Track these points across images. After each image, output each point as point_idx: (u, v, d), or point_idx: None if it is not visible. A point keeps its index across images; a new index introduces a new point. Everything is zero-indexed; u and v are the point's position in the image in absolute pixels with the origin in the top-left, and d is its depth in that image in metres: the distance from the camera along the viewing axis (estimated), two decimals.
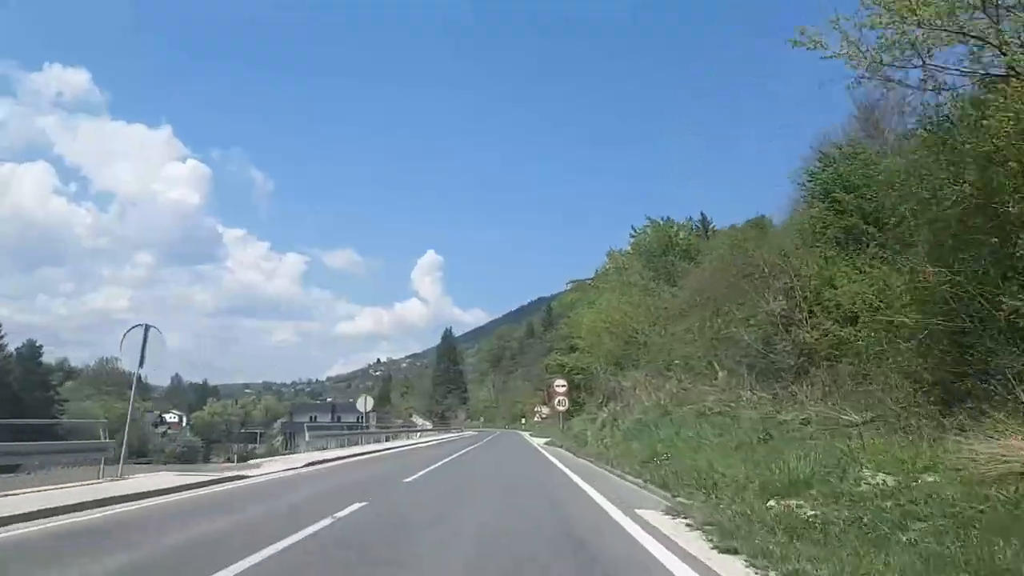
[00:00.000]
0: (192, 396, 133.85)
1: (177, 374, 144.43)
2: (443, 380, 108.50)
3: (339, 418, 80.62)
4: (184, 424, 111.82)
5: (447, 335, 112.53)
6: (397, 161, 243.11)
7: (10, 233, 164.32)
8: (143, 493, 10.19)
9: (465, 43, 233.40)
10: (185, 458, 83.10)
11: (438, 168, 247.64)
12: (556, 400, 34.37)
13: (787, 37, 8.81)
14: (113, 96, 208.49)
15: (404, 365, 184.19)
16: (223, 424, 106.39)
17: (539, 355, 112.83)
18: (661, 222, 35.76)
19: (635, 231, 36.25)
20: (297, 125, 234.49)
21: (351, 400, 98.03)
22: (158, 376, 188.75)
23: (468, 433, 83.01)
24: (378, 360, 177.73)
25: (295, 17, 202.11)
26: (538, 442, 36.96)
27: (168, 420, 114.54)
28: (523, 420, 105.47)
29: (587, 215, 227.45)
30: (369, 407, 30.04)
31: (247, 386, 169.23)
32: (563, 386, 34.46)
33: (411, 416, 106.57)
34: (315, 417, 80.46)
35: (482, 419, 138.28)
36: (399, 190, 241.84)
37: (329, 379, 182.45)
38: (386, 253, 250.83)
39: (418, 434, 69.48)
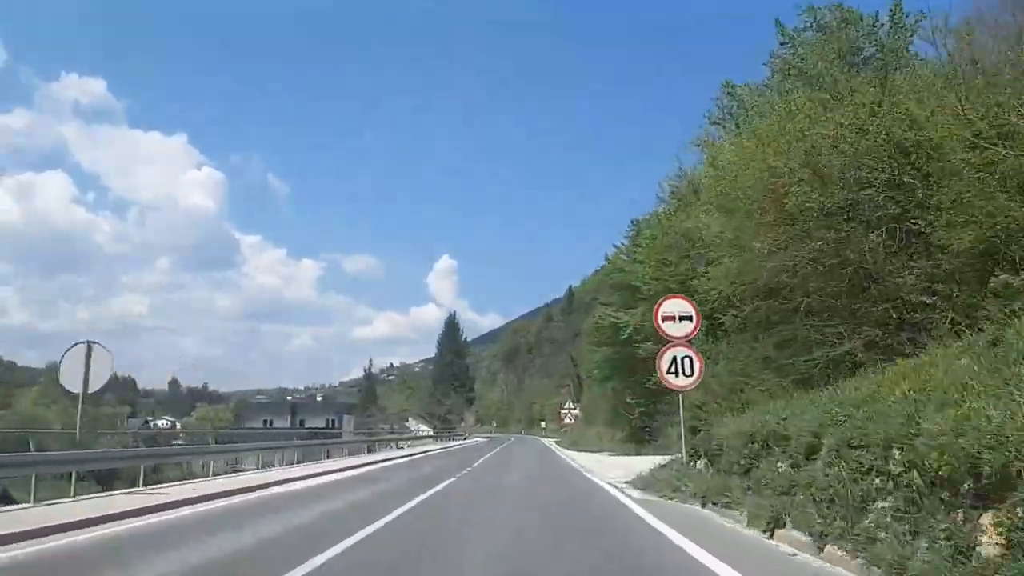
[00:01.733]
0: (189, 401, 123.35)
1: (175, 378, 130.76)
2: (446, 376, 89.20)
3: (302, 422, 61.64)
4: (177, 430, 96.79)
5: (451, 320, 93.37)
6: (411, 165, 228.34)
7: (31, 240, 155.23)
8: None
9: (470, 42, 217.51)
10: (102, 477, 65.55)
11: (451, 171, 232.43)
12: (671, 360, 11.92)
13: None
14: (129, 104, 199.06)
15: (417, 369, 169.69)
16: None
17: (561, 345, 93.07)
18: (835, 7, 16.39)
19: (785, 35, 16.75)
20: (310, 130, 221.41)
21: (318, 397, 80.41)
22: (155, 379, 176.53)
23: (475, 441, 63.97)
24: (391, 364, 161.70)
25: (304, 17, 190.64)
26: (600, 476, 16.59)
27: (159, 426, 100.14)
28: (543, 424, 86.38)
29: (600, 216, 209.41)
30: (98, 385, 9.81)
31: (260, 391, 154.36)
32: (688, 317, 12.83)
33: (406, 420, 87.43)
34: (270, 421, 61.38)
35: (494, 423, 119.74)
36: (413, 194, 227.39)
37: (342, 383, 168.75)
38: (402, 258, 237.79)
39: (407, 444, 49.19)
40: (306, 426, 60.01)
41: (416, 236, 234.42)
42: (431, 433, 75.70)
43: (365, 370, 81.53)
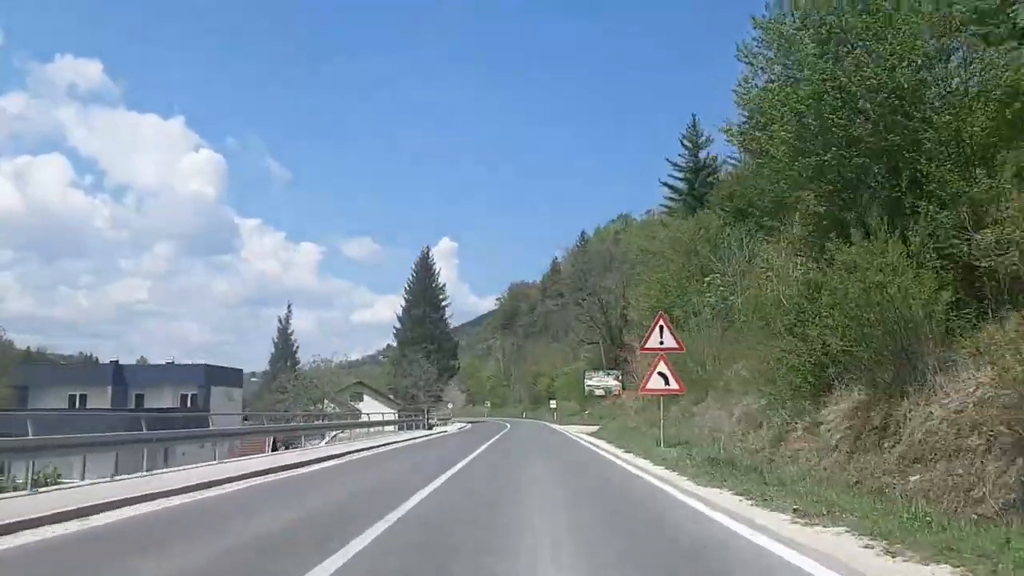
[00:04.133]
0: None
1: (143, 357, 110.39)
2: (416, 337, 62.91)
3: (140, 398, 35.40)
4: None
5: (424, 260, 66.41)
6: (411, 149, 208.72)
7: (30, 225, 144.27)
8: None
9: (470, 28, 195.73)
10: None
11: (450, 153, 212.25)
12: None
13: None
14: (126, 86, 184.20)
15: None
16: None
17: (573, 296, 66.88)
18: None
19: None
20: (310, 114, 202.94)
21: (171, 360, 51.69)
22: (120, 358, 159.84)
23: (445, 432, 38.87)
24: (388, 346, 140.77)
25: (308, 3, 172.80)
26: None
27: None
28: (552, 404, 60.68)
29: (595, 191, 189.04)
30: None
31: (253, 374, 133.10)
32: None
33: (360, 399, 61.49)
34: (81, 398, 34.90)
35: (488, 403, 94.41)
36: (413, 177, 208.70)
37: (338, 364, 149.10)
38: (402, 241, 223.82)
39: (325, 438, 30.55)
40: (145, 405, 33.98)
41: (416, 218, 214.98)
42: (392, 416, 50.50)
43: (280, 321, 55.08)
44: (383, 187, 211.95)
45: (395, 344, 66.30)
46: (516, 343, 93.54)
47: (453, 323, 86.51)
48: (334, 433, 35.38)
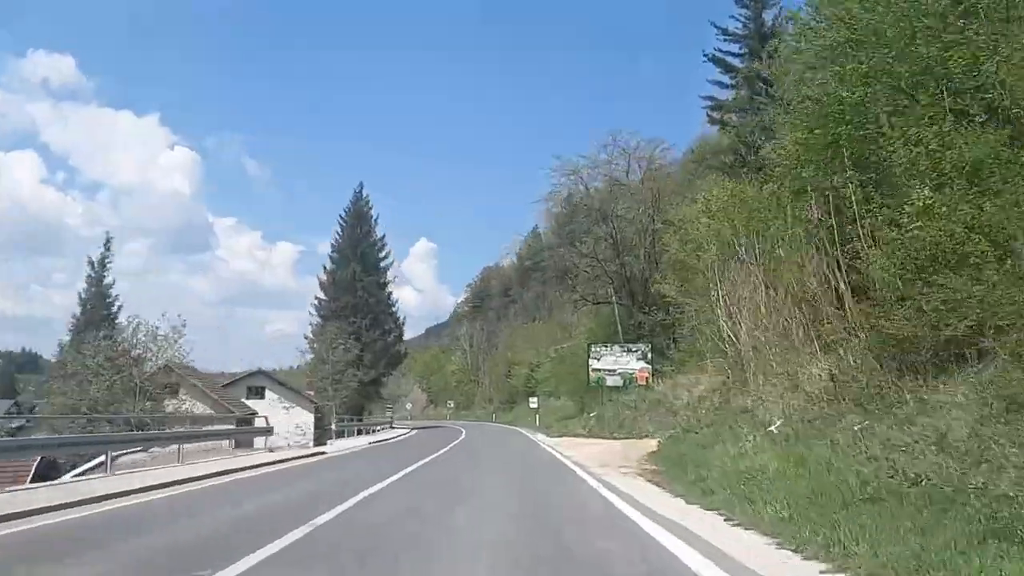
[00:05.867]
0: None
1: None
2: (342, 307, 44.81)
3: None
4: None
5: (357, 204, 47.80)
6: (391, 150, 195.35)
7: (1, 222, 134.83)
8: None
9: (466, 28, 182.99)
10: None
11: (428, 156, 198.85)
12: None
13: None
14: (100, 83, 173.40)
15: None
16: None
17: (567, 238, 49.20)
18: None
19: None
20: (288, 113, 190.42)
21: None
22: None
23: (324, 452, 20.54)
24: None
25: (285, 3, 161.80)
26: None
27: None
28: (533, 403, 43.90)
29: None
30: None
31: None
32: None
33: (261, 396, 43.37)
34: None
35: (451, 403, 77.68)
36: (391, 178, 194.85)
37: (305, 364, 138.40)
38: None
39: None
40: None
41: (395, 218, 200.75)
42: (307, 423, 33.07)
43: (92, 267, 34.76)
44: (362, 185, 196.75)
45: (319, 321, 47.25)
46: (485, 328, 75.43)
47: (427, 324, 68.57)
48: (100, 460, 17.42)
